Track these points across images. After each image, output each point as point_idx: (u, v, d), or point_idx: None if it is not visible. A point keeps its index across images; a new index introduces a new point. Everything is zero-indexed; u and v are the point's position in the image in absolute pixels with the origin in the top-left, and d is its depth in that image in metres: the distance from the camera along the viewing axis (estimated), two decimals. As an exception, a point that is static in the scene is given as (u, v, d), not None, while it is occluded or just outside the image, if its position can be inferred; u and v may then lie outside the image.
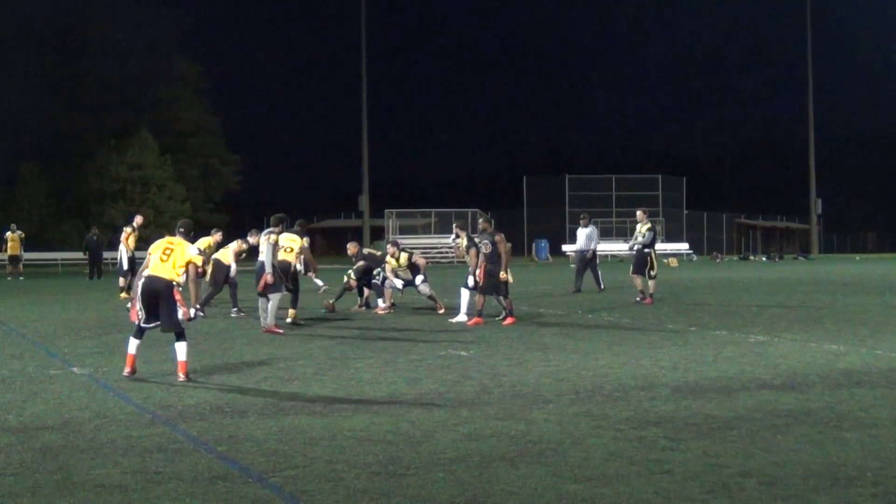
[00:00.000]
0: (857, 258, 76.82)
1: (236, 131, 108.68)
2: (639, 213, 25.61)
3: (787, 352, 14.24)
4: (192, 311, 12.84)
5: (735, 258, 76.72)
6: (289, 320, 18.67)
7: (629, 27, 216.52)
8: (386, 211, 71.04)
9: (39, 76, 72.06)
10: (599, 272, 29.59)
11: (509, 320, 18.85)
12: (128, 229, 28.64)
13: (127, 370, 12.09)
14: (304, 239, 20.23)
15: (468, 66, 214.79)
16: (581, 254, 29.89)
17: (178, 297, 12.29)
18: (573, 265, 37.41)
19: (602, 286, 28.99)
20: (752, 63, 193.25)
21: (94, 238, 41.71)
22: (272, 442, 8.32)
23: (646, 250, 24.28)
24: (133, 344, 12.21)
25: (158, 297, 12.11)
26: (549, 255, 69.74)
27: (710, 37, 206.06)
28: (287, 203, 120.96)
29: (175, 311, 12.11)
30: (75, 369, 12.97)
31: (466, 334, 16.98)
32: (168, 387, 11.43)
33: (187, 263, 12.53)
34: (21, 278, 41.10)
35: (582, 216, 30.58)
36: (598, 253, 30.23)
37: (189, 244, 12.72)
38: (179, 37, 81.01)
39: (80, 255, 47.76)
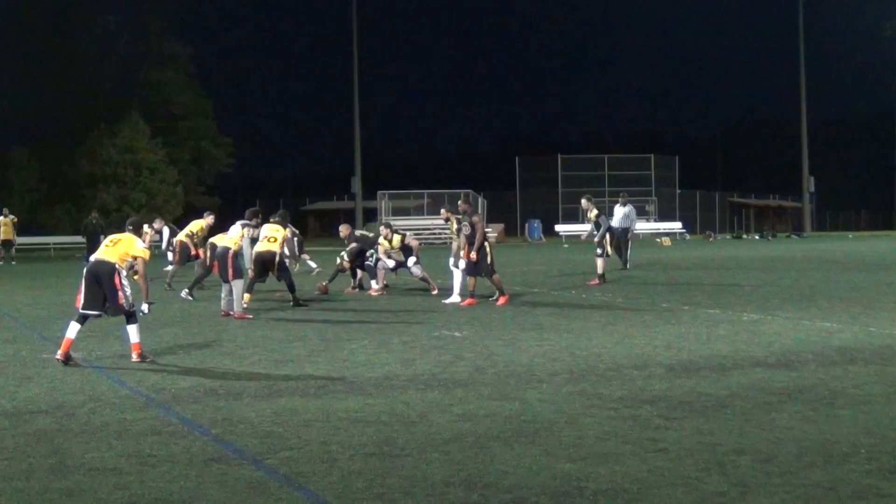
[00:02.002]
0: (850, 236, 76.94)
1: (228, 114, 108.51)
2: (583, 201, 25.91)
3: (781, 330, 14.26)
4: (146, 307, 12.76)
5: (728, 237, 76.76)
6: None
7: (621, 6, 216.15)
8: (378, 192, 70.88)
9: (29, 60, 71.75)
10: (629, 252, 29.62)
11: (502, 300, 18.85)
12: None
13: (60, 354, 11.94)
14: (288, 229, 20.24)
15: (461, 47, 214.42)
16: (622, 231, 29.59)
17: (117, 282, 12.17)
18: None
19: (628, 266, 28.98)
20: (744, 41, 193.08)
21: (94, 221, 41.68)
22: (266, 424, 8.32)
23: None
24: (73, 328, 12.13)
25: (101, 280, 12.07)
26: (542, 235, 69.66)
27: (702, 16, 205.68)
28: (279, 185, 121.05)
29: (116, 295, 12.02)
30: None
31: (460, 315, 16.98)
32: (161, 370, 11.42)
33: (135, 258, 12.56)
34: (13, 263, 41.01)
35: (621, 195, 31.09)
36: (635, 232, 30.25)
37: (137, 239, 12.78)
38: (170, 19, 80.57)
39: (72, 238, 47.62)
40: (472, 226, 19.10)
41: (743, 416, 8.33)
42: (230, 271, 17.51)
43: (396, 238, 22.20)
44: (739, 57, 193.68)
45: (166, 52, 79.20)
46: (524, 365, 11.34)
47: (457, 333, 14.38)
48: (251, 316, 17.35)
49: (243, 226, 18.26)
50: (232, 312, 17.36)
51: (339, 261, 22.87)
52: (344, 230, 23.38)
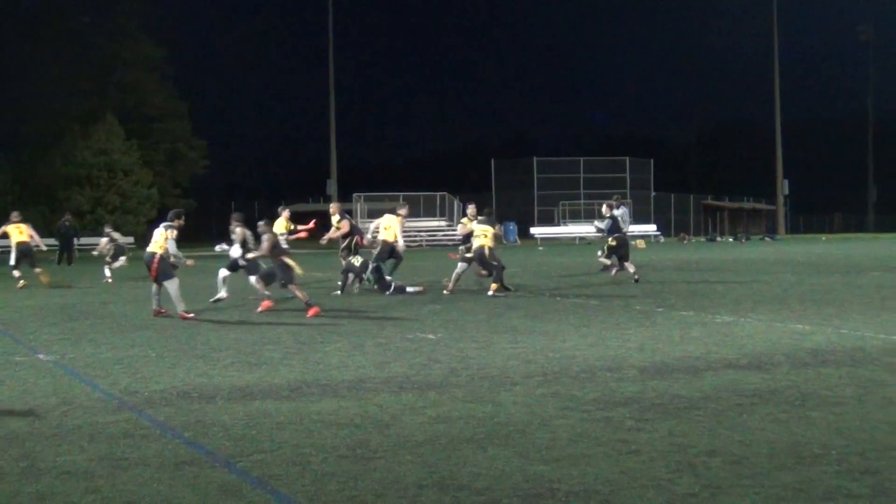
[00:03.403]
0: (823, 238, 77.37)
1: (203, 116, 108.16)
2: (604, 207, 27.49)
3: (754, 332, 14.32)
4: None
5: (702, 239, 76.97)
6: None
7: (597, 9, 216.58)
8: (354, 194, 70.85)
9: (2, 61, 71.42)
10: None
11: (493, 287, 21.06)
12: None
13: None
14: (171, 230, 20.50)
15: (436, 49, 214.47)
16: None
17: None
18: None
19: (623, 267, 29.25)
20: (718, 45, 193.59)
21: (67, 224, 41.57)
22: (239, 427, 8.31)
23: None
24: None
25: None
26: (517, 238, 69.75)
27: (677, 19, 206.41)
28: (255, 187, 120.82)
29: None
30: (41, 356, 12.90)
31: (434, 318, 16.99)
32: (135, 373, 11.38)
33: None
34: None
35: (614, 198, 31.43)
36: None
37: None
38: (144, 21, 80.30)
39: (45, 241, 47.33)
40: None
41: (715, 418, 8.36)
42: (157, 274, 17.84)
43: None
44: (714, 60, 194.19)
45: (141, 54, 78.93)
46: (498, 367, 11.36)
47: (431, 336, 14.38)
48: (193, 314, 17.49)
49: (166, 227, 18.24)
50: (163, 310, 17.73)
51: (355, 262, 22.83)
52: (334, 208, 23.67)
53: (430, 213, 72.88)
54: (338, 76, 77.77)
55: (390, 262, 22.91)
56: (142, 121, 78.42)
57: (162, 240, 18.06)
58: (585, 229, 67.52)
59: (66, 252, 41.20)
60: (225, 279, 20.53)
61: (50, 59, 73.92)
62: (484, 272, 22.30)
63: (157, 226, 18.64)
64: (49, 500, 6.34)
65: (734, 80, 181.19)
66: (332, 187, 76.10)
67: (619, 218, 29.75)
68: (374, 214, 70.88)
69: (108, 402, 9.56)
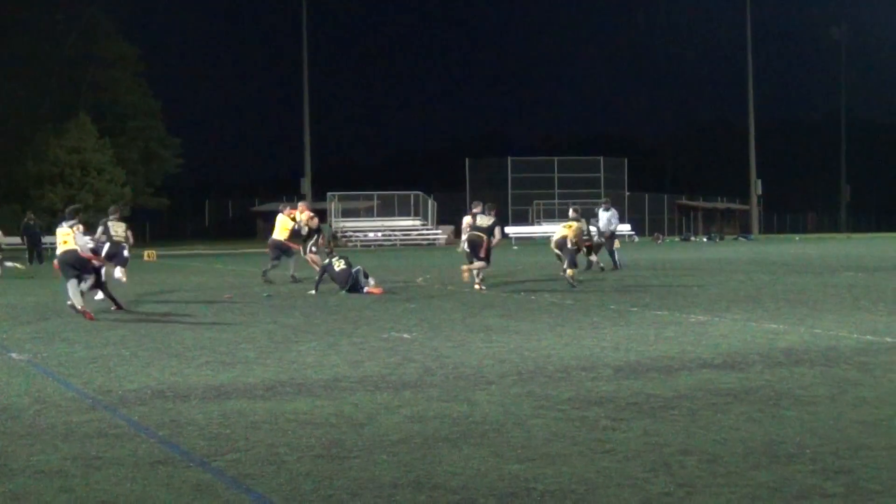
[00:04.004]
0: (797, 238, 77.79)
1: (176, 114, 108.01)
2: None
3: (728, 331, 14.36)
4: None
5: (676, 239, 77.27)
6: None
7: (573, 9, 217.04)
8: (328, 194, 70.84)
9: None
10: (616, 253, 31.08)
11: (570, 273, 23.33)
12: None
13: None
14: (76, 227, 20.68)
15: (410, 48, 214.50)
16: (601, 234, 31.39)
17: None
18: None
19: (619, 265, 30.66)
20: (693, 45, 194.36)
21: (31, 223, 41.42)
22: (214, 426, 8.28)
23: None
24: None
25: None
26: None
27: (652, 19, 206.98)
28: (228, 186, 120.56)
29: None
30: (14, 355, 12.83)
31: (409, 317, 16.98)
32: (108, 372, 11.32)
33: None
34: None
35: (604, 199, 33.59)
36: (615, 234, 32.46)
37: None
38: (118, 19, 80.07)
39: (18, 240, 47.15)
40: None
41: (689, 417, 8.38)
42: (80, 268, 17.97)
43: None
44: (688, 59, 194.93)
45: (114, 52, 78.67)
46: (473, 366, 11.36)
47: (406, 335, 14.38)
48: (91, 313, 17.40)
49: (71, 226, 18.29)
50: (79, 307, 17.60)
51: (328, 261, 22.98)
52: (302, 207, 23.96)
53: (404, 213, 72.87)
54: (312, 75, 77.77)
55: None
56: (115, 119, 78.25)
57: (70, 238, 18.03)
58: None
59: (35, 250, 41.13)
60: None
61: (22, 57, 73.58)
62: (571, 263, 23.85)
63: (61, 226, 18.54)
64: (23, 499, 6.30)
65: (708, 80, 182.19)
66: (305, 186, 75.97)
67: (608, 219, 30.90)
68: (349, 213, 71.32)
69: (81, 402, 9.52)
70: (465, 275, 22.39)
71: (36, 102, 74.32)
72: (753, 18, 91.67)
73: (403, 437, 7.80)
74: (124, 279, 22.38)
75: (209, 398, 9.56)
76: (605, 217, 31.62)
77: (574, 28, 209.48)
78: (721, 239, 74.09)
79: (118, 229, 22.95)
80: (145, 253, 47.56)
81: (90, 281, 18.19)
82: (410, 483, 6.51)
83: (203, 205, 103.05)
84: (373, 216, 72.73)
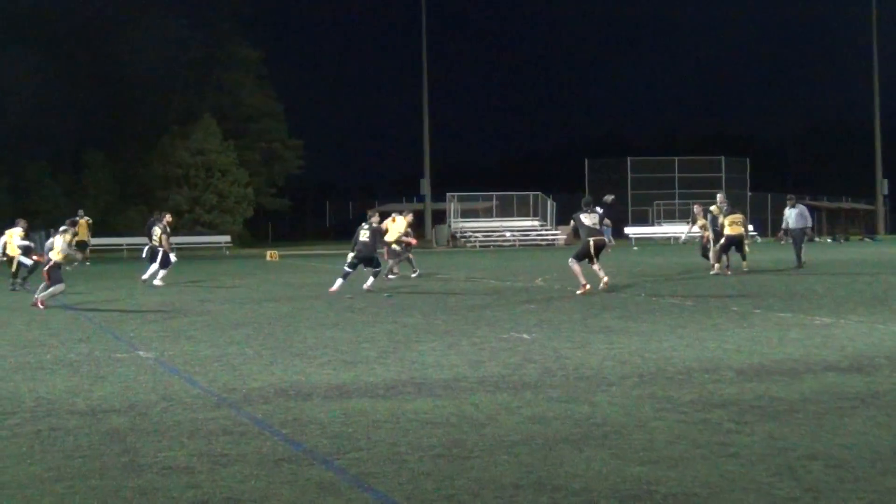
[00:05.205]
0: (925, 239, 75.85)
1: (298, 116, 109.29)
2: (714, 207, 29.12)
3: (854, 334, 14.07)
4: None
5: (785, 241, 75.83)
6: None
7: (691, 7, 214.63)
8: (447, 194, 70.95)
9: (102, 64, 72.61)
10: (802, 250, 31.31)
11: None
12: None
13: None
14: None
15: (528, 48, 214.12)
16: (797, 231, 31.70)
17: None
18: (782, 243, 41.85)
19: (801, 263, 30.77)
20: (816, 43, 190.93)
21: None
22: (336, 425, 8.36)
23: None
24: None
25: None
26: (611, 238, 69.19)
27: (773, 17, 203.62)
28: (349, 187, 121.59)
29: None
30: (141, 353, 13.12)
31: (529, 317, 16.96)
32: (233, 370, 11.51)
33: None
34: (87, 264, 41.51)
35: (788, 198, 33.30)
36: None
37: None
38: (240, 22, 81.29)
39: (145, 240, 48.14)
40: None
41: (815, 421, 8.24)
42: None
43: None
44: (812, 58, 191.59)
45: (238, 56, 79.91)
46: (593, 368, 11.30)
47: (525, 336, 14.36)
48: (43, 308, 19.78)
49: (62, 232, 21.12)
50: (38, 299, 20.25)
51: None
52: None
53: (523, 213, 72.72)
54: (431, 76, 77.85)
55: None
56: (238, 121, 79.42)
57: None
58: (679, 230, 66.91)
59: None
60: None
61: (149, 61, 75.13)
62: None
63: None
64: (150, 494, 6.43)
65: (831, 78, 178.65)
66: (425, 186, 76.22)
67: (795, 217, 30.78)
68: (468, 214, 71.43)
69: (207, 399, 9.69)
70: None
71: (161, 105, 75.82)
72: (879, 11, 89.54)
73: (524, 437, 7.79)
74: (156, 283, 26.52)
75: (331, 397, 9.66)
76: (794, 214, 31.77)
77: (693, 26, 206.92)
78: (846, 240, 72.56)
79: (156, 233, 26.80)
80: (268, 253, 48.21)
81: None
82: (532, 484, 6.51)
83: (324, 205, 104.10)
84: (492, 217, 72.70)
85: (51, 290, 20.26)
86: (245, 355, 12.75)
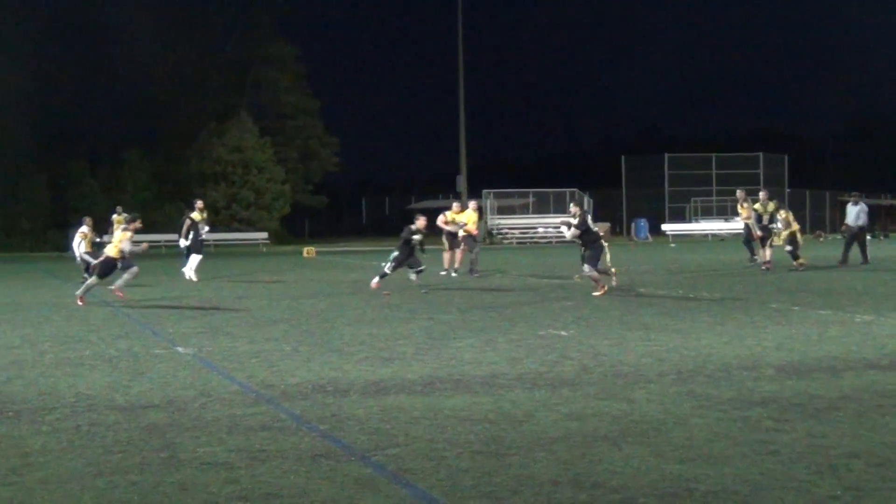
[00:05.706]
0: (966, 236, 75.16)
1: (335, 113, 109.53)
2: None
3: (895, 331, 13.96)
4: None
5: (839, 237, 75.35)
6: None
7: (729, 4, 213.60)
8: (483, 191, 70.96)
9: (140, 62, 73.06)
10: (867, 247, 32.23)
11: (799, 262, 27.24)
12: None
13: None
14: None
15: (565, 46, 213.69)
16: (858, 228, 32.28)
17: None
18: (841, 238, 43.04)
19: (867, 260, 31.04)
20: (854, 39, 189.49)
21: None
22: (374, 421, 8.36)
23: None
24: None
25: None
26: (648, 235, 69.14)
27: (816, 13, 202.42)
28: (385, 184, 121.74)
29: None
30: (180, 349, 13.17)
31: (566, 314, 16.92)
32: (271, 366, 11.54)
33: None
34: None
35: (853, 194, 33.77)
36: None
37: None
38: (278, 20, 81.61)
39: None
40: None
41: (856, 419, 8.17)
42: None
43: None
44: (851, 55, 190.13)
45: (275, 53, 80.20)
46: (631, 365, 11.26)
47: (563, 332, 14.32)
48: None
49: (123, 229, 21.80)
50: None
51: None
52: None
53: (560, 210, 72.57)
54: (467, 73, 77.79)
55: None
56: (275, 118, 79.79)
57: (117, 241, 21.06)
58: (718, 226, 66.63)
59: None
60: None
61: (186, 58, 75.53)
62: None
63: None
64: (190, 490, 6.46)
65: (871, 74, 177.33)
66: (461, 183, 76.20)
67: (856, 214, 30.84)
68: (504, 211, 71.41)
69: (245, 395, 9.72)
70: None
71: (199, 103, 76.20)
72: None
73: (562, 434, 7.77)
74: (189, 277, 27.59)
75: (369, 393, 9.67)
76: (854, 211, 32.07)
77: (730, 24, 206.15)
78: (885, 237, 72.08)
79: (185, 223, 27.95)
80: (304, 250, 48.36)
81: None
82: (570, 481, 6.49)
83: (360, 202, 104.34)
84: (528, 213, 72.66)
85: (125, 277, 20.89)
86: (282, 352, 12.78)
